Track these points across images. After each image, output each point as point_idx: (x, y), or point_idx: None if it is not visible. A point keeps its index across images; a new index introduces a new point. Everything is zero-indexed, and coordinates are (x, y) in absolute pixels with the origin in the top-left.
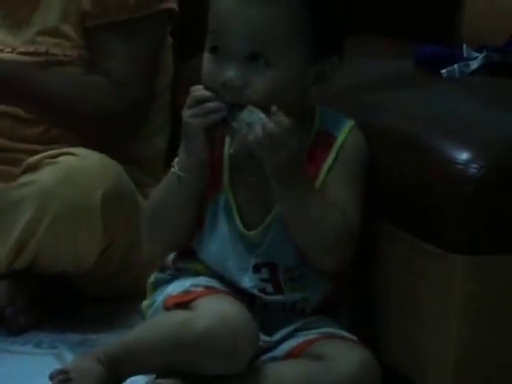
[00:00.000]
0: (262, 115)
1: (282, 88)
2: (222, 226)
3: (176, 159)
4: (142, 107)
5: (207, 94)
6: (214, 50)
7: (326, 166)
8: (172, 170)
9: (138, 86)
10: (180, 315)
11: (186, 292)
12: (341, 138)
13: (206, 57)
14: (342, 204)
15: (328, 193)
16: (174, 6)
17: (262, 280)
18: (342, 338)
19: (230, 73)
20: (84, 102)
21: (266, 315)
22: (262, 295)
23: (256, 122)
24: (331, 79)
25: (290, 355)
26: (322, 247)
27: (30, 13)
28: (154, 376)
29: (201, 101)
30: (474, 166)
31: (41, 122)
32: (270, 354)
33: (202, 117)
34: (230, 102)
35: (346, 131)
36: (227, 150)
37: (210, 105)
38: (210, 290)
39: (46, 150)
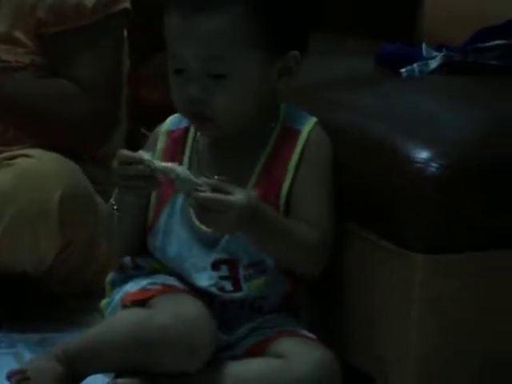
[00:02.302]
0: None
1: (246, 97)
2: (179, 228)
3: (114, 195)
4: (113, 109)
5: (130, 155)
6: (177, 72)
7: (292, 163)
8: (110, 205)
9: (106, 88)
10: (138, 313)
11: (144, 290)
12: (305, 133)
13: (172, 78)
14: (315, 213)
15: (298, 202)
16: (128, 5)
17: (221, 278)
18: (301, 336)
19: (192, 90)
20: (56, 105)
21: (224, 313)
22: (221, 293)
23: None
24: (296, 71)
25: (250, 353)
26: (296, 263)
27: None
28: (113, 375)
29: (126, 162)
30: (434, 164)
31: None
32: (230, 353)
33: (127, 181)
34: (195, 114)
35: (309, 127)
36: (189, 142)
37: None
38: (167, 287)
39: (2, 152)
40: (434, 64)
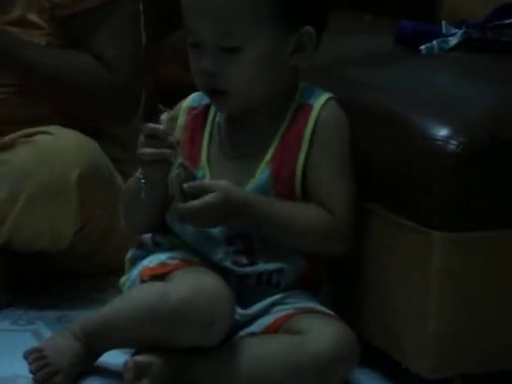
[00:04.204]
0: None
1: (258, 71)
2: None
3: (140, 170)
4: (136, 84)
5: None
6: (194, 45)
7: (306, 138)
8: (137, 178)
9: (128, 64)
10: (156, 287)
11: (162, 264)
12: (317, 108)
13: (190, 51)
14: (327, 190)
15: (312, 178)
16: None
17: (235, 252)
18: (319, 313)
19: (204, 63)
20: (81, 78)
21: (241, 289)
22: (237, 268)
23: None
24: (311, 48)
25: (268, 330)
26: (307, 246)
27: None
28: (132, 353)
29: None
30: (453, 142)
31: (13, 103)
32: (248, 329)
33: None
34: (209, 88)
35: (321, 101)
36: (210, 118)
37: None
38: (186, 262)
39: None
40: (453, 41)
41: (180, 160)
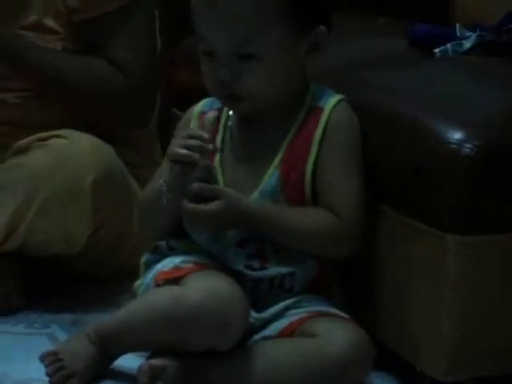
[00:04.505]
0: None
1: (276, 75)
2: None
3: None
4: (152, 89)
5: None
6: (207, 54)
7: (315, 140)
8: (160, 185)
9: (143, 68)
10: (171, 290)
11: (177, 268)
12: (327, 110)
13: (203, 59)
14: (336, 192)
15: (321, 182)
16: None
17: (248, 256)
18: (333, 315)
19: (221, 72)
20: (96, 84)
21: (255, 293)
22: (249, 272)
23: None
24: (323, 47)
25: (283, 334)
26: (315, 249)
27: (10, 9)
28: (146, 356)
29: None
30: (468, 145)
31: (30, 107)
32: (262, 333)
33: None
34: (227, 96)
35: (332, 103)
36: (223, 122)
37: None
38: (200, 265)
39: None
40: (467, 44)
41: (206, 162)
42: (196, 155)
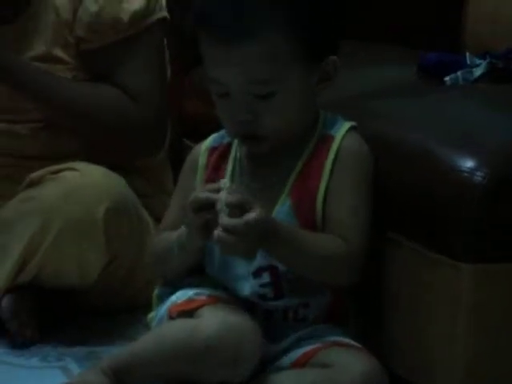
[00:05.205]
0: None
1: (294, 111)
2: None
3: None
4: (162, 118)
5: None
6: (222, 96)
7: (326, 170)
8: (175, 243)
9: (153, 98)
10: (184, 324)
11: (190, 300)
12: (338, 138)
13: (218, 101)
14: (345, 222)
15: (330, 210)
16: (165, 13)
17: (262, 285)
18: (347, 345)
19: (240, 113)
20: (107, 114)
21: (268, 324)
22: (262, 302)
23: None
24: (335, 75)
25: (296, 364)
26: (323, 276)
27: (18, 41)
28: None
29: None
30: (479, 173)
31: (41, 138)
32: (276, 364)
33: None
34: (247, 135)
35: (343, 132)
36: (233, 154)
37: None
38: (213, 298)
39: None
40: (478, 72)
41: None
42: (216, 195)
